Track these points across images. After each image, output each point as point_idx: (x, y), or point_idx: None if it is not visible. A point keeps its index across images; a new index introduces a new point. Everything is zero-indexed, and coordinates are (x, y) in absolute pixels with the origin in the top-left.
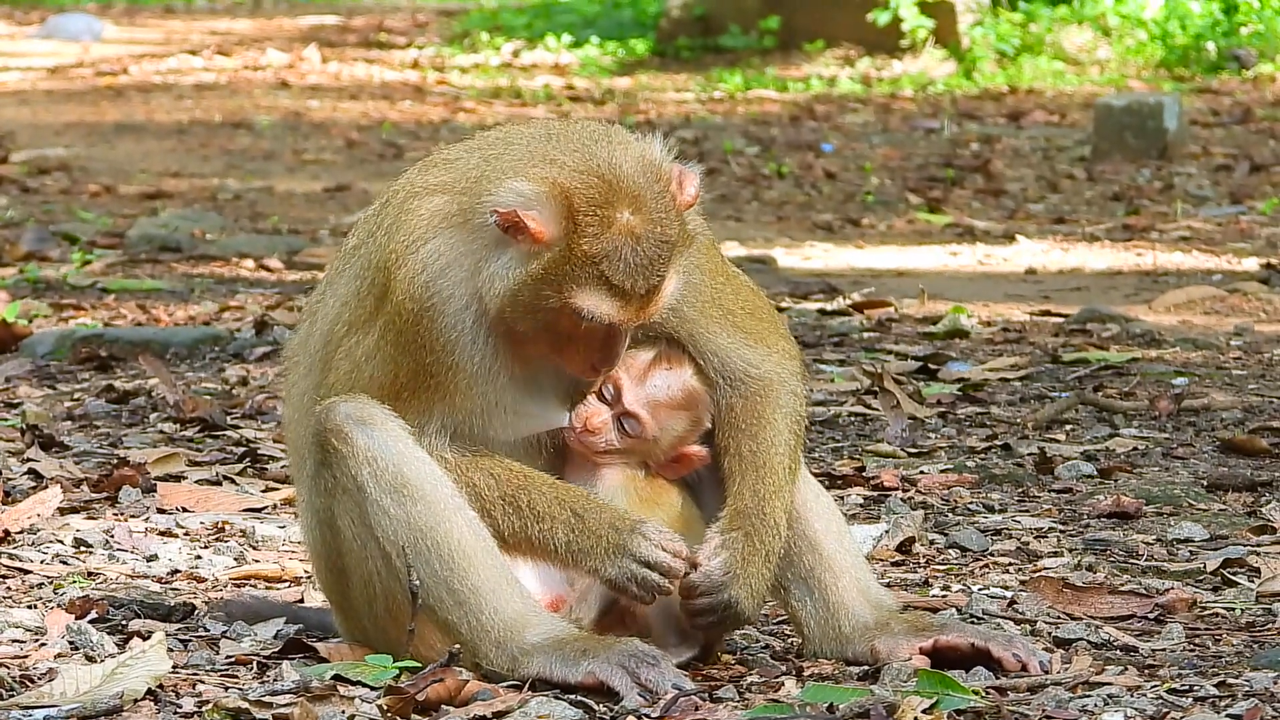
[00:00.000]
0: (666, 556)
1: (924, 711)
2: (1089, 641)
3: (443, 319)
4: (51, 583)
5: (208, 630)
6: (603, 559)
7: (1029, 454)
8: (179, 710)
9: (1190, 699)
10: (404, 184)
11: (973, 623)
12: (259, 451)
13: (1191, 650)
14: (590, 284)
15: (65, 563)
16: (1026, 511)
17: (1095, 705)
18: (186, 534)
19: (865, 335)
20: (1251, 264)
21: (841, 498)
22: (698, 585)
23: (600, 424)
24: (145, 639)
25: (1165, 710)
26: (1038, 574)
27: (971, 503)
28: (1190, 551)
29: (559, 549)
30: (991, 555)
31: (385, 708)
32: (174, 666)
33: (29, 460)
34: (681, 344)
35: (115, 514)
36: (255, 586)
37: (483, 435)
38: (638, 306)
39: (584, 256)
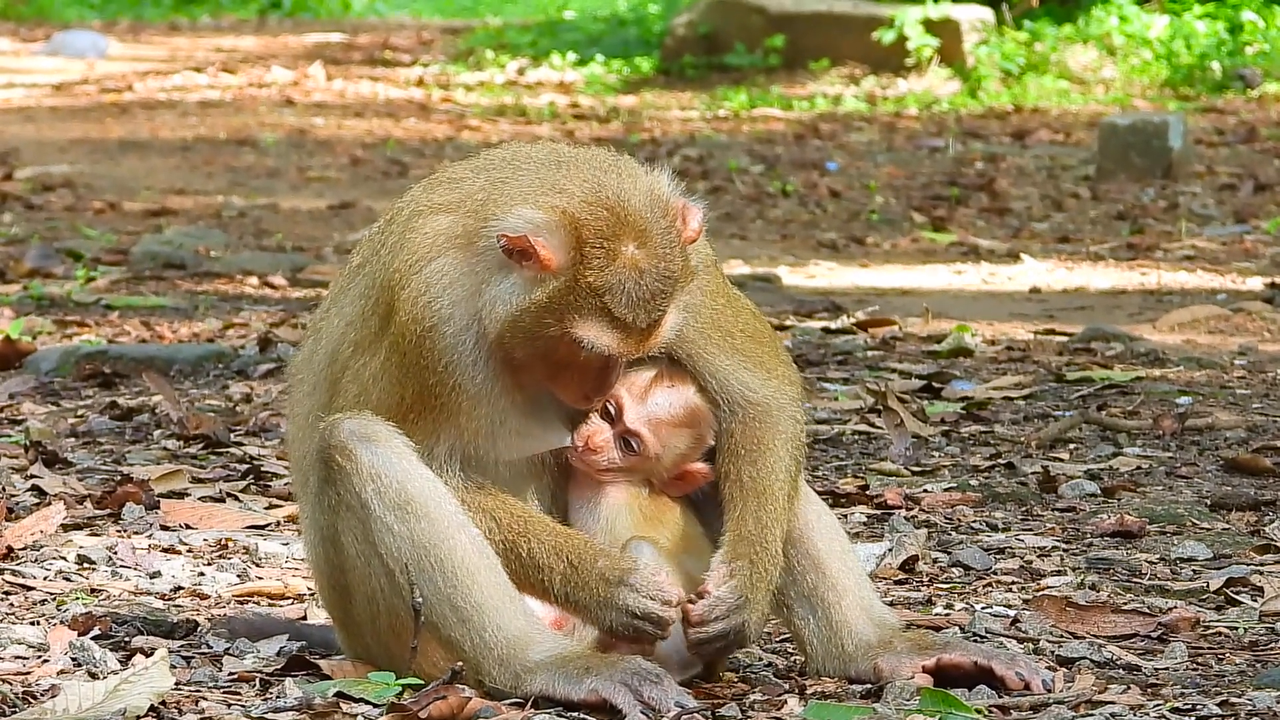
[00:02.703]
0: (656, 607)
1: None
2: (1092, 660)
3: (444, 340)
4: (54, 599)
5: (210, 647)
6: (595, 613)
7: (1032, 473)
8: None
9: (1193, 718)
10: (408, 202)
11: (976, 641)
12: (262, 469)
13: (1194, 669)
14: (592, 315)
15: (68, 579)
16: (1030, 530)
17: None
18: (189, 551)
19: (869, 354)
20: (1256, 283)
21: (845, 516)
22: (711, 611)
23: (602, 442)
24: (148, 656)
25: None
26: (1041, 593)
27: (975, 521)
28: (1193, 571)
29: (556, 596)
30: (995, 574)
31: None
32: (176, 683)
33: (32, 477)
34: (683, 363)
35: (118, 531)
36: (258, 604)
37: (488, 456)
38: (637, 340)
39: (588, 288)
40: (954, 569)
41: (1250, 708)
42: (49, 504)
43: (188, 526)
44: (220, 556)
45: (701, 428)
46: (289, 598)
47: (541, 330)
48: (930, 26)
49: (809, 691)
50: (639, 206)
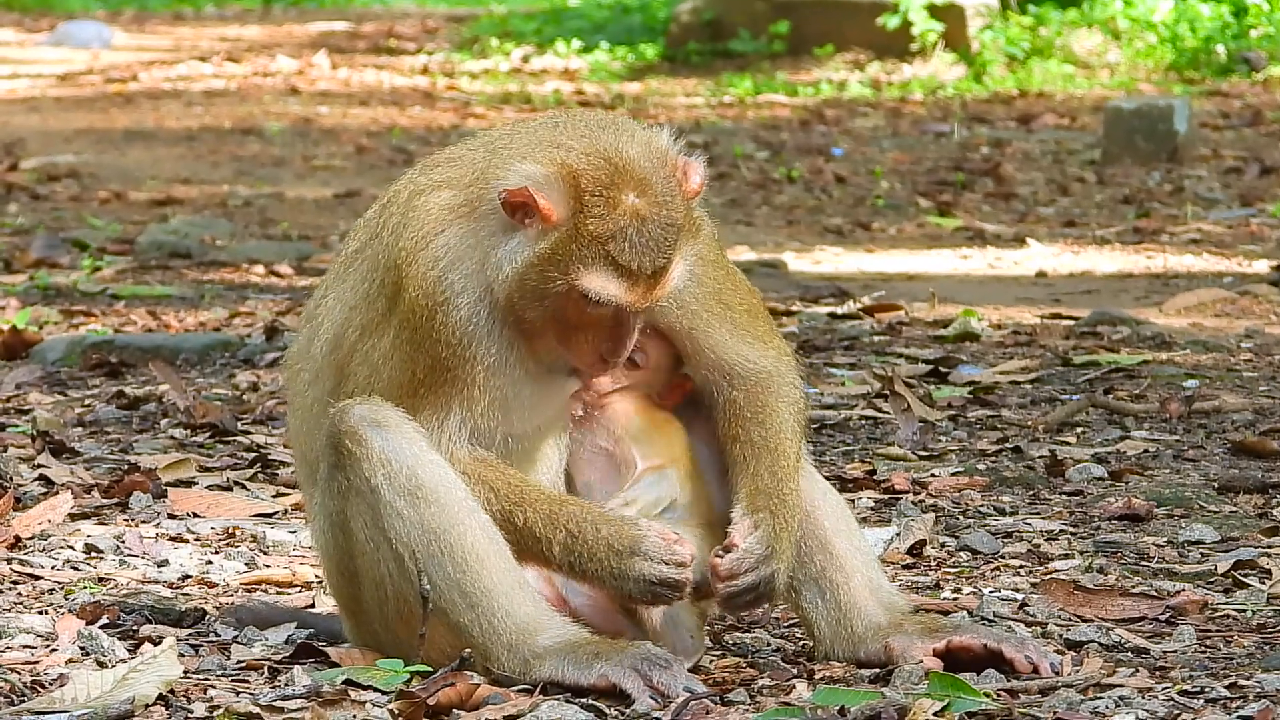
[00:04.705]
0: (671, 571)
1: (935, 714)
2: (1100, 643)
3: (457, 313)
4: (62, 588)
5: (219, 635)
6: (610, 584)
7: (1040, 456)
8: (190, 715)
9: (1201, 700)
10: (405, 184)
11: (984, 625)
12: (269, 457)
13: (1202, 652)
14: (597, 264)
15: (76, 568)
16: (1037, 514)
17: (1106, 707)
18: (197, 539)
19: (876, 339)
20: (1262, 266)
21: (852, 501)
22: (740, 564)
23: None
24: (156, 644)
25: (1176, 712)
26: (1049, 576)
27: (982, 505)
28: (1201, 553)
29: (558, 564)
30: (1002, 558)
31: (396, 712)
32: (185, 672)
33: (40, 466)
34: (683, 334)
35: (126, 520)
36: (266, 591)
37: (500, 428)
38: (644, 288)
39: (590, 237)
40: (961, 553)
41: (1258, 690)
42: (56, 493)
43: (195, 515)
44: (228, 545)
45: None
46: (297, 585)
47: (549, 286)
48: (935, 11)
49: (817, 676)
50: (637, 157)
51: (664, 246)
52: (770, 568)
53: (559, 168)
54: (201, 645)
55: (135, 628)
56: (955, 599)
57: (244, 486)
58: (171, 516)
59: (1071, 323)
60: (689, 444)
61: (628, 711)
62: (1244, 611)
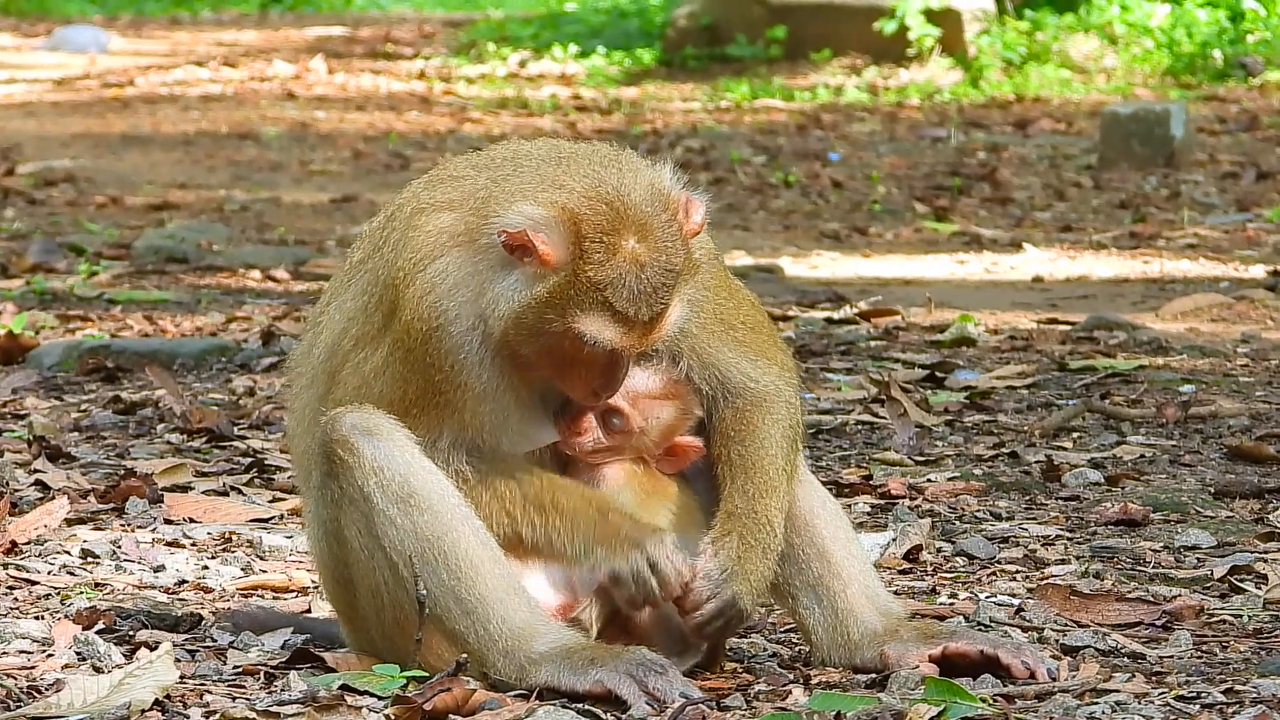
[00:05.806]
0: (672, 566)
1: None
2: (1096, 649)
3: (450, 339)
4: (59, 593)
5: (215, 640)
6: (616, 549)
7: (1036, 462)
8: None
9: (1197, 706)
10: (409, 199)
11: (980, 630)
12: (266, 462)
13: (1199, 657)
14: (594, 309)
15: (72, 573)
16: (1034, 519)
17: (1103, 712)
18: (193, 544)
19: (872, 344)
20: (1258, 271)
21: (849, 506)
22: (699, 589)
23: (586, 424)
24: (152, 649)
25: (1172, 717)
26: (1045, 581)
27: (979, 510)
28: (1197, 558)
29: (578, 543)
30: (999, 563)
31: (393, 717)
32: (181, 677)
33: (36, 471)
34: (684, 354)
35: (122, 525)
36: (262, 597)
37: (491, 451)
38: (640, 333)
39: (589, 282)
40: (958, 558)
41: (1254, 695)
42: (53, 499)
43: (191, 520)
44: (224, 550)
45: (683, 398)
46: (293, 591)
47: (544, 326)
48: (931, 16)
49: (814, 681)
50: (639, 200)
51: (662, 292)
52: (730, 589)
53: (560, 211)
54: (198, 650)
55: (131, 633)
56: (951, 604)
57: (240, 491)
58: (168, 522)
59: (1068, 328)
60: (680, 516)
61: (624, 717)
62: (1240, 616)
